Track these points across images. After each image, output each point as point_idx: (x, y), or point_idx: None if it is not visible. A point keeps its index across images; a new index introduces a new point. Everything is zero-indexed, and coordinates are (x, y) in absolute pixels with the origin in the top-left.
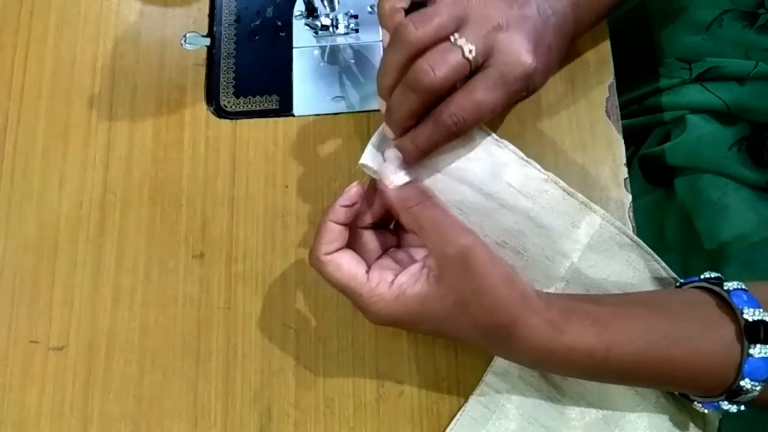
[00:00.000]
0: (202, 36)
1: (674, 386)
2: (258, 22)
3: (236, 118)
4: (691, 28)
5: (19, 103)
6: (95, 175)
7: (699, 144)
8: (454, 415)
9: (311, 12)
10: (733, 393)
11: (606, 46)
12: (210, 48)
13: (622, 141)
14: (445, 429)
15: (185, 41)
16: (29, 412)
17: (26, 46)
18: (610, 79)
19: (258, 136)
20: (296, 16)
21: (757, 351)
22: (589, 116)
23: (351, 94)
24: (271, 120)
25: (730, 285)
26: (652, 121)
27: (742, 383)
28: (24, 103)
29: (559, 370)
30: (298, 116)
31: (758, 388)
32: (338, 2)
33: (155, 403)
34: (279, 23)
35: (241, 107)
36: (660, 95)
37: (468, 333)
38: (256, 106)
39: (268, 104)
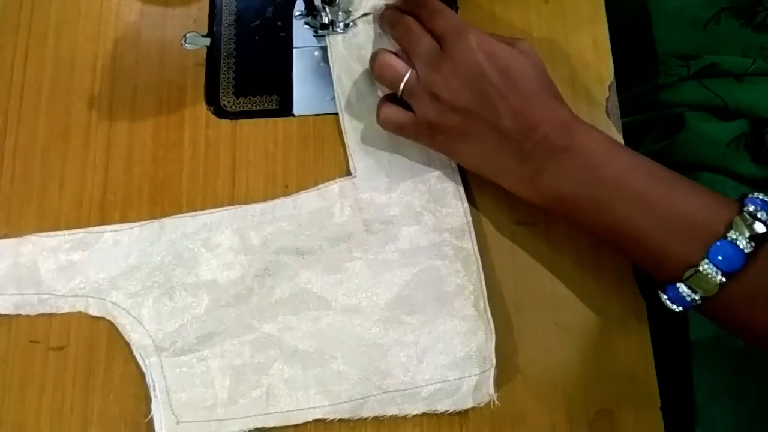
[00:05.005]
0: (202, 36)
1: (643, 242)
2: (258, 22)
3: (236, 118)
4: (688, 26)
5: (19, 103)
6: (95, 175)
7: (698, 141)
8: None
9: (311, 11)
10: (692, 279)
11: (606, 46)
12: (210, 48)
13: (623, 141)
14: (443, 429)
15: (185, 41)
16: (29, 412)
17: (26, 46)
18: (610, 78)
19: (258, 136)
20: (296, 16)
21: (732, 234)
22: (589, 116)
23: None
24: (271, 120)
25: (756, 193)
26: (650, 119)
27: (702, 264)
28: (24, 103)
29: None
30: (298, 116)
31: (717, 278)
32: (337, 2)
33: None
34: (279, 23)
35: (241, 107)
36: (658, 92)
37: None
38: (256, 106)
39: (268, 104)
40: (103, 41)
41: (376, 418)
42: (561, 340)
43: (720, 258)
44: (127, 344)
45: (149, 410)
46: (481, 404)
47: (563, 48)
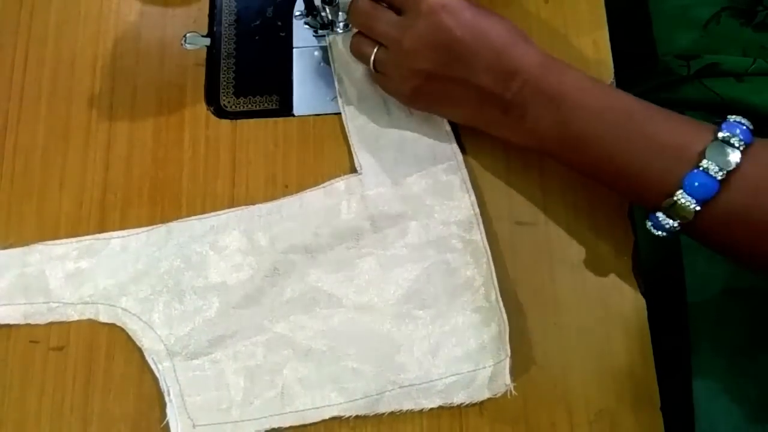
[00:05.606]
0: (202, 36)
1: (624, 174)
2: (258, 22)
3: (236, 118)
4: (689, 26)
5: (19, 103)
6: (95, 175)
7: None
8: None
9: (311, 11)
10: (670, 208)
11: (606, 46)
12: (210, 48)
13: None
14: (444, 429)
15: (185, 41)
16: (29, 412)
17: (26, 46)
18: (610, 78)
19: (258, 136)
20: (296, 16)
21: (705, 163)
22: None
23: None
24: (271, 120)
25: (735, 117)
26: None
27: (677, 194)
28: (24, 103)
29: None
30: (298, 116)
31: (692, 207)
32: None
33: (155, 403)
34: (279, 23)
35: (241, 107)
36: (658, 92)
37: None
38: (256, 106)
39: (268, 104)
40: (103, 41)
41: (376, 417)
42: (561, 340)
43: (696, 185)
44: (128, 344)
45: (149, 410)
46: (498, 395)
47: (563, 48)
